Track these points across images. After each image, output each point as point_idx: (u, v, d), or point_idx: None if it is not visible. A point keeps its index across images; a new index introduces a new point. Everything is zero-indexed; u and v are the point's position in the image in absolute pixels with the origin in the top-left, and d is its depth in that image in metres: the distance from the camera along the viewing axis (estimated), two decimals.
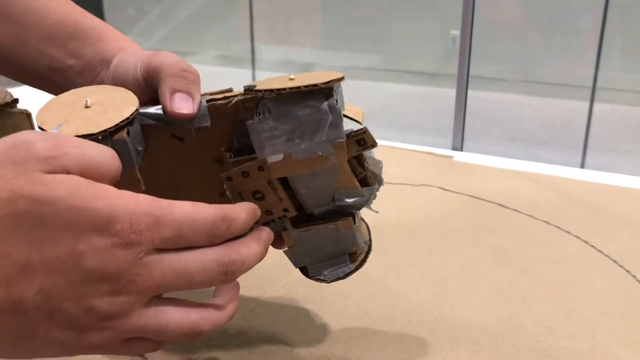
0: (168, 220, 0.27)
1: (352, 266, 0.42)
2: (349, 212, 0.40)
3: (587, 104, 2.20)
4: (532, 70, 2.72)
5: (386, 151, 0.89)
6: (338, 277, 0.42)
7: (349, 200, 0.40)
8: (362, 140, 0.38)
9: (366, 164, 0.40)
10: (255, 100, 0.37)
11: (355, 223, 0.40)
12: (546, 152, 2.14)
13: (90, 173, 0.26)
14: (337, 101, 0.36)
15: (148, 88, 0.40)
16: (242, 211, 0.32)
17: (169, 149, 0.38)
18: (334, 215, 0.40)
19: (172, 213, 0.27)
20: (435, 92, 2.75)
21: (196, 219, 0.28)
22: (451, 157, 0.87)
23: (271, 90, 0.35)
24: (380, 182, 0.41)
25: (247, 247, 0.32)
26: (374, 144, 0.38)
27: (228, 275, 0.30)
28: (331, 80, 0.35)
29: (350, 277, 0.43)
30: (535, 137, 2.29)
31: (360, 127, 0.38)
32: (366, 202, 0.40)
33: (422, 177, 0.79)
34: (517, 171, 0.82)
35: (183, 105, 0.37)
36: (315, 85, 0.35)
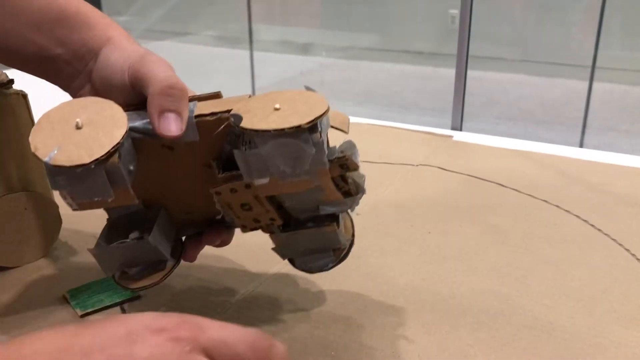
0: None
1: (335, 260, 0.44)
2: (334, 216, 0.42)
3: (586, 84, 2.19)
4: (532, 50, 2.71)
5: (385, 131, 0.88)
6: (322, 269, 0.45)
7: (333, 209, 0.42)
8: (345, 165, 0.39)
9: (349, 180, 0.41)
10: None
11: (338, 227, 0.42)
12: (545, 132, 2.14)
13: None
14: (321, 134, 0.36)
15: (135, 92, 0.40)
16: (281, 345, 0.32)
17: (160, 156, 0.40)
18: (319, 219, 0.42)
19: None
20: (434, 72, 2.74)
21: (240, 338, 0.30)
22: (450, 136, 0.87)
23: (256, 131, 0.36)
24: (363, 191, 0.42)
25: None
26: (357, 168, 0.39)
27: None
28: (315, 119, 0.35)
29: (349, 256, 0.45)
30: (534, 117, 2.28)
31: (343, 154, 0.38)
32: (349, 208, 0.43)
33: (421, 157, 0.79)
34: (517, 150, 0.81)
35: (172, 126, 0.37)
36: (299, 126, 0.35)
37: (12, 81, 0.52)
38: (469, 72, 1.00)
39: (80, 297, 0.50)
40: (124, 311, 0.49)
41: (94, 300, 0.49)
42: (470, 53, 0.98)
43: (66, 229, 0.57)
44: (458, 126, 0.98)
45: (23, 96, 0.52)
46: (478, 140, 0.85)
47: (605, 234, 0.60)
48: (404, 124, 0.91)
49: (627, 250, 0.57)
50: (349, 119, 0.42)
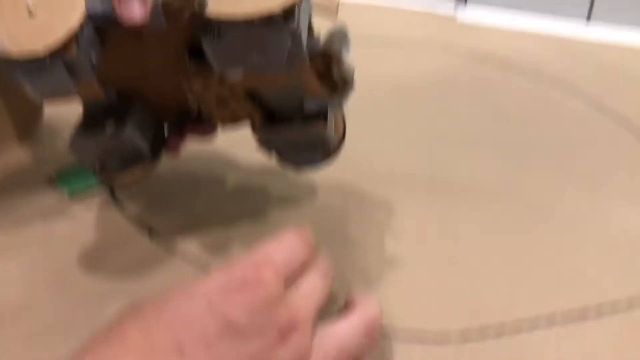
0: None
1: (324, 157, 0.42)
2: (322, 112, 0.39)
3: None
4: None
5: (384, 11, 0.84)
6: (309, 166, 0.43)
7: (318, 105, 0.38)
8: (329, 59, 0.35)
9: (335, 74, 0.38)
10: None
11: (326, 125, 0.39)
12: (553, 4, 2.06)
13: None
14: (298, 22, 0.32)
15: None
16: None
17: (129, 45, 0.36)
18: (305, 115, 0.39)
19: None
20: None
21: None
22: (453, 16, 0.82)
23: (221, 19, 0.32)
24: (352, 85, 0.39)
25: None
26: (340, 60, 0.36)
27: (372, 337, 0.32)
28: (290, 3, 0.31)
29: (345, 143, 0.42)
30: None
31: (327, 47, 0.35)
32: (337, 105, 0.39)
33: (422, 37, 0.75)
34: (522, 30, 0.78)
35: (134, 11, 0.33)
36: (271, 13, 0.31)
37: None
38: None
39: (68, 178, 0.48)
40: (113, 195, 0.47)
41: (82, 181, 0.48)
42: None
43: (51, 110, 0.55)
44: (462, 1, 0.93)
45: None
46: (482, 18, 0.81)
47: (612, 115, 0.58)
48: (404, 1, 0.86)
49: (635, 130, 0.56)
50: (338, 3, 0.38)
